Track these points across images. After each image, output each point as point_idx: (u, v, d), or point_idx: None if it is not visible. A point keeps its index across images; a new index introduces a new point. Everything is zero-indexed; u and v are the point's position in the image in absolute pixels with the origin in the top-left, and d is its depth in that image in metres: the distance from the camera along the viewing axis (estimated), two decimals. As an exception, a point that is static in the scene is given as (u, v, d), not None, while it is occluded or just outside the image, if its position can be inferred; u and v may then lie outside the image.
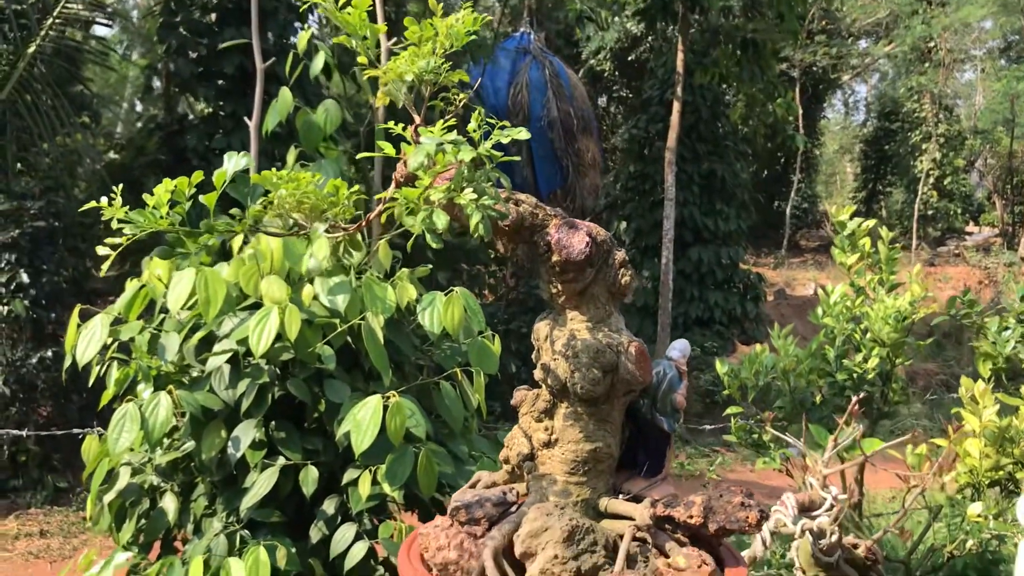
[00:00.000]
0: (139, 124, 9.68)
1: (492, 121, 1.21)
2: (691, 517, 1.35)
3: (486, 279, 9.32)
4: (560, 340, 1.40)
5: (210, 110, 9.20)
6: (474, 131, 1.20)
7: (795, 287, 17.99)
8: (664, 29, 13.00)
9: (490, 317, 8.57)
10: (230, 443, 2.68)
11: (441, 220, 1.12)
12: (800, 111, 19.27)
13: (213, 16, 8.99)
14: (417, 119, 1.35)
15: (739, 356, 12.15)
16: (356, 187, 1.39)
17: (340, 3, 1.32)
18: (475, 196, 1.12)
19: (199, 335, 2.71)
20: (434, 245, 1.13)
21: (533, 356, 1.47)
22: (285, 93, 3.00)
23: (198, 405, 2.66)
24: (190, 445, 2.83)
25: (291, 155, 2.92)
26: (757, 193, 18.46)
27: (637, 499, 1.45)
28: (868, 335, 4.21)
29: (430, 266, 3.28)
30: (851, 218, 4.67)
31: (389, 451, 2.64)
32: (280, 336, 2.65)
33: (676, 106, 9.13)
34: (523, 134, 1.14)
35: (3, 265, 6.25)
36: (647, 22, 10.42)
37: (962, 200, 24.47)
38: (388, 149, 1.23)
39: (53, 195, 6.87)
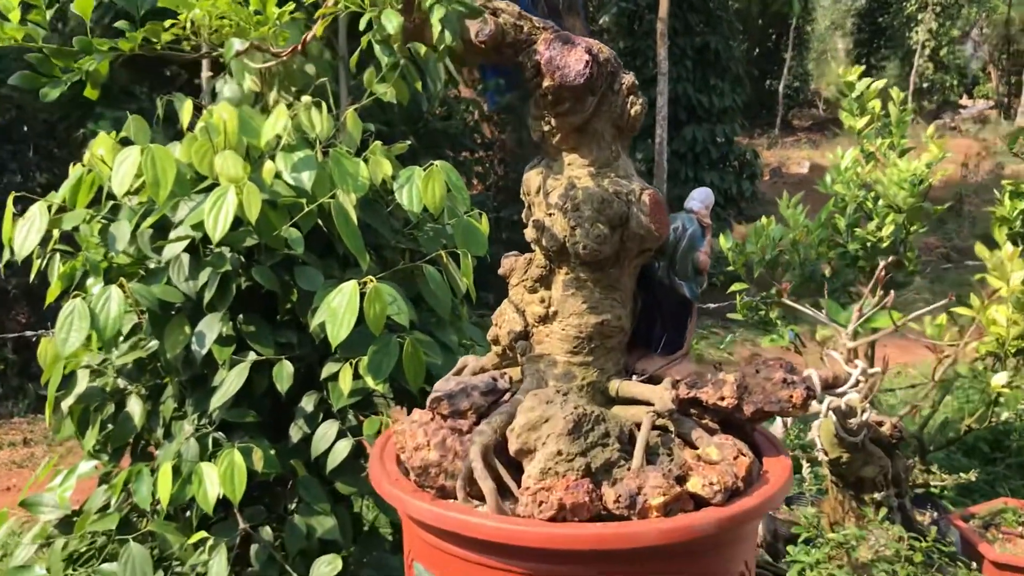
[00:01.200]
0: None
1: None
2: (722, 399, 1.10)
3: (472, 166, 8.97)
4: (556, 191, 1.13)
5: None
6: None
7: (789, 166, 17.64)
8: None
9: (479, 206, 8.27)
10: (194, 339, 2.43)
11: (392, 22, 0.83)
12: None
13: None
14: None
15: (735, 235, 11.90)
16: (290, 5, 1.09)
17: None
18: (437, -16, 0.82)
19: (150, 220, 2.43)
20: (385, 61, 0.85)
21: (523, 214, 1.19)
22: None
23: (155, 299, 2.39)
24: (154, 344, 2.58)
25: None
26: (750, 69, 17.92)
27: (654, 380, 1.20)
28: (881, 202, 3.94)
29: (408, 142, 2.97)
30: (859, 78, 4.34)
31: (371, 342, 2.40)
32: (241, 220, 2.38)
33: (667, -28, 8.61)
34: None
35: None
36: None
37: (957, 72, 23.91)
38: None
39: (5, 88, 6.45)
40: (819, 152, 19.11)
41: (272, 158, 2.47)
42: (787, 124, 23.20)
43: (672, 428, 1.12)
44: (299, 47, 1.00)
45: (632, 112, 1.12)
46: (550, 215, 1.14)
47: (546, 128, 1.11)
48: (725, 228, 12.05)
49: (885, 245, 3.77)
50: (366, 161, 2.55)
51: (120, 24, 0.89)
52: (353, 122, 2.66)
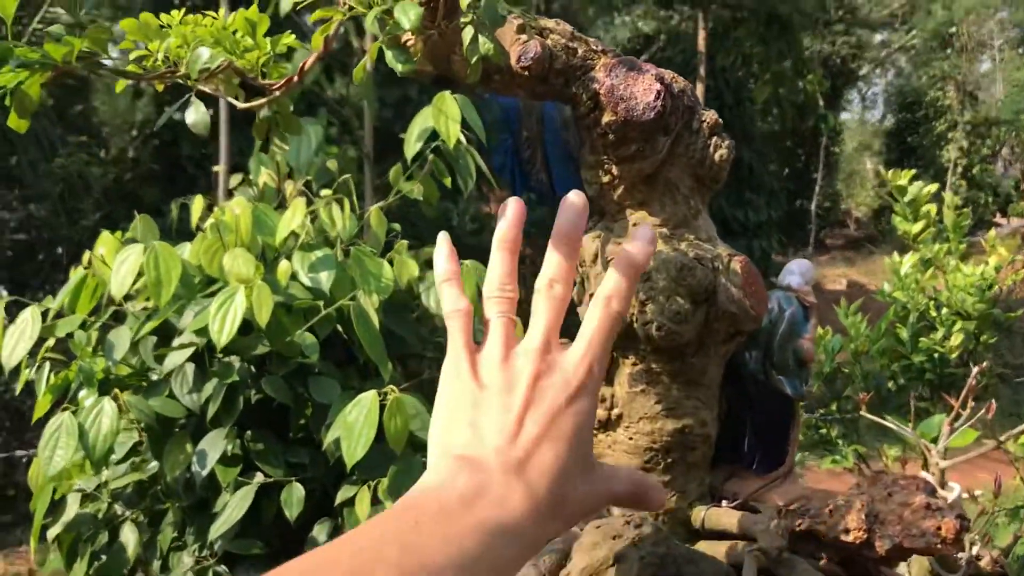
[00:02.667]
0: (133, 134, 9.25)
1: None
2: (847, 532, 0.82)
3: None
4: (620, 257, 0.88)
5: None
6: None
7: (826, 283, 17.35)
8: (680, 20, 12.47)
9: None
10: (195, 458, 2.16)
11: (410, 14, 0.60)
12: (821, 102, 18.71)
13: (206, 17, 8.50)
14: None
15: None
16: (288, 34, 0.87)
17: None
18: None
19: (150, 325, 2.20)
20: (399, 68, 0.61)
21: (575, 294, 0.94)
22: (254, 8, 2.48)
23: (153, 413, 2.14)
24: (155, 465, 2.32)
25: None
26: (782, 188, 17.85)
27: (750, 506, 0.92)
28: (945, 310, 3.65)
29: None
30: (911, 182, 4.12)
31: (392, 461, 2.12)
32: (251, 325, 2.15)
33: (700, 88, 8.56)
34: None
35: (-18, 283, 5.80)
36: (664, 4, 9.88)
37: (991, 190, 23.78)
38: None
39: (33, 206, 6.42)
40: (855, 270, 18.85)
41: (288, 257, 2.27)
42: (820, 243, 23.03)
43: (782, 574, 0.83)
44: (295, 78, 0.77)
45: (716, 157, 0.88)
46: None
47: (606, 179, 0.87)
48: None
49: (954, 356, 3.46)
50: (391, 262, 2.34)
51: (54, 28, 0.66)
52: (378, 220, 2.45)
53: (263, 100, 0.87)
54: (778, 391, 0.94)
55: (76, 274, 2.35)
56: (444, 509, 0.55)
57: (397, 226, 2.62)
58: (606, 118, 0.85)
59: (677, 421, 0.88)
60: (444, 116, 2.27)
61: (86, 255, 2.32)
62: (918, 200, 4.00)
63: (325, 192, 2.37)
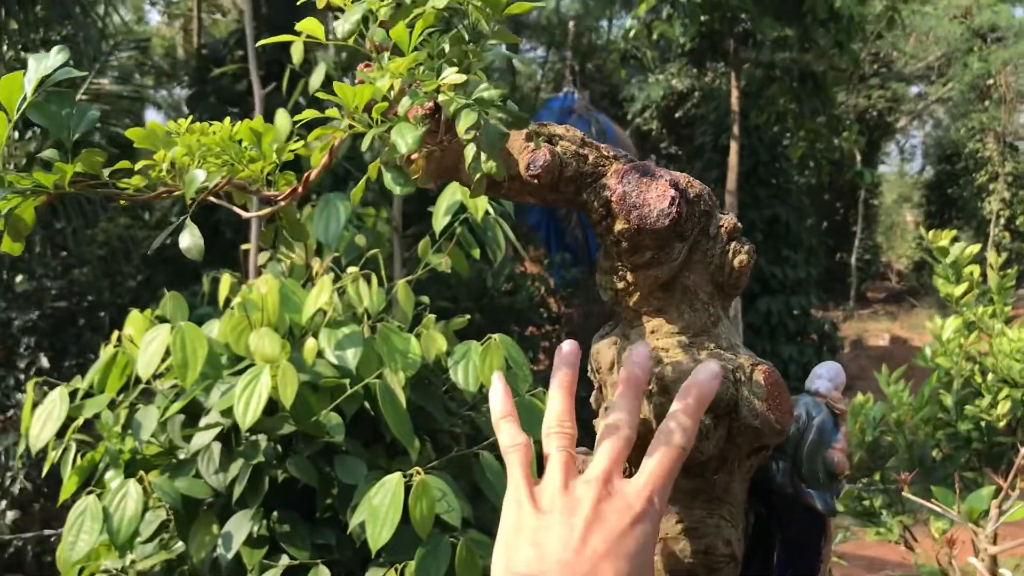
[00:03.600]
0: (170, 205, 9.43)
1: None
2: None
3: (539, 342, 8.73)
4: (636, 367, 0.84)
5: (245, 181, 8.81)
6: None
7: (868, 339, 17.07)
8: (713, 79, 12.52)
9: (545, 383, 7.97)
10: (220, 540, 2.13)
11: (407, 137, 0.58)
12: (859, 157, 18.62)
13: (244, 83, 8.74)
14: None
15: (819, 413, 11.27)
16: (295, 142, 0.86)
17: None
18: (462, 78, 0.58)
19: (178, 405, 2.19)
20: (398, 191, 0.59)
21: (592, 397, 0.90)
22: (281, 117, 2.52)
23: (177, 494, 2.12)
24: (181, 546, 2.29)
25: (321, 95, 2.43)
26: (821, 242, 17.73)
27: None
28: (991, 376, 3.54)
29: (467, 317, 2.74)
30: (952, 243, 4.03)
31: (418, 543, 2.07)
32: (277, 405, 2.13)
33: (733, 147, 8.56)
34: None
35: (23, 350, 5.86)
36: (696, 64, 9.94)
37: (1035, 240, 23.39)
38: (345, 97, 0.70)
39: (76, 272, 6.53)
40: (898, 324, 18.55)
41: (315, 334, 2.25)
42: (862, 296, 22.74)
43: None
44: (299, 189, 0.76)
45: (735, 263, 0.85)
46: (628, 401, 0.84)
47: (621, 285, 0.84)
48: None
49: (1001, 424, 3.35)
50: (418, 336, 2.32)
51: (47, 153, 0.65)
52: (405, 295, 2.44)
53: (268, 210, 0.85)
54: (808, 505, 0.89)
55: (106, 352, 2.36)
56: None
57: (425, 299, 2.60)
58: (619, 226, 0.82)
59: (699, 541, 0.84)
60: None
61: (114, 334, 2.32)
62: (960, 261, 3.92)
63: (352, 269, 2.36)
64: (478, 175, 0.68)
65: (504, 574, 0.63)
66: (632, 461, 0.85)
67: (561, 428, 0.72)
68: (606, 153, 0.85)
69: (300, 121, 0.76)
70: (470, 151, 0.66)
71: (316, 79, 2.56)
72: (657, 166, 0.88)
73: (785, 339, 12.15)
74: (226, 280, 2.41)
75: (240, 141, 0.89)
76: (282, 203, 0.84)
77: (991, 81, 22.00)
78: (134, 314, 2.35)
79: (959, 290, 3.82)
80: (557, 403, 0.74)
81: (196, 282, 7.56)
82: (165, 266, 7.84)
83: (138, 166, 0.90)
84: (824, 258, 16.11)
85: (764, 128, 11.56)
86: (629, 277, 0.85)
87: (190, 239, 0.74)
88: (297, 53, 2.48)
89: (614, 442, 0.70)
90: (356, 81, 0.83)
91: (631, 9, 13.41)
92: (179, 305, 2.42)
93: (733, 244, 0.87)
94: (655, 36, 8.26)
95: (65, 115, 0.63)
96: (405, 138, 0.62)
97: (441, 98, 0.62)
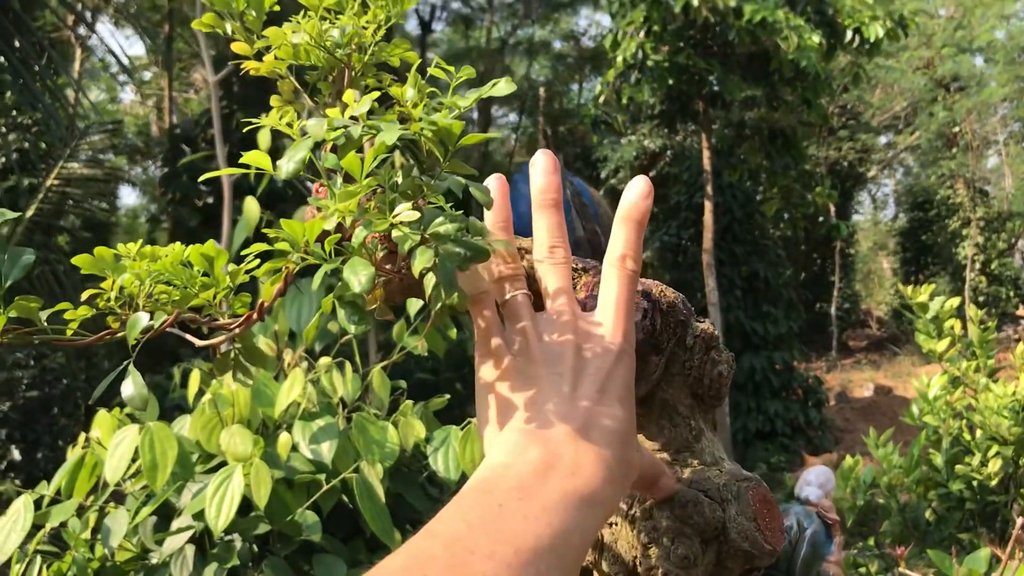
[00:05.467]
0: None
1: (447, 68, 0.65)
2: None
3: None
4: (616, 488, 0.80)
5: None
6: (409, 100, 0.63)
7: (852, 389, 17.06)
8: (685, 137, 12.66)
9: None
10: (194, 651, 2.04)
11: (360, 275, 0.54)
12: (832, 210, 18.84)
13: (216, 162, 8.74)
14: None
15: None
16: (250, 262, 0.82)
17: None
18: (415, 216, 0.54)
19: (147, 510, 2.11)
20: (352, 330, 0.55)
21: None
22: (250, 204, 2.49)
23: (147, 604, 2.03)
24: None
25: (268, 233, 2.38)
26: (800, 293, 17.82)
27: None
28: (980, 432, 3.51)
29: (447, 397, 2.68)
30: (931, 298, 4.02)
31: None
32: (252, 503, 2.06)
33: (708, 206, 8.60)
34: (502, 88, 0.57)
35: (-7, 444, 5.72)
36: (667, 125, 10.05)
37: (1011, 283, 23.61)
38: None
39: (48, 360, 6.41)
40: (881, 373, 18.57)
41: (289, 428, 2.19)
42: (844, 346, 22.80)
43: None
44: (255, 316, 0.72)
45: (715, 374, 0.81)
46: (611, 526, 0.80)
47: (597, 402, 0.78)
48: (795, 461, 11.40)
49: (994, 483, 3.31)
50: (396, 424, 2.25)
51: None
52: (380, 382, 2.38)
53: (222, 338, 0.81)
54: (806, 626, 0.83)
55: (73, 454, 2.28)
56: (523, 486, 0.55)
57: (403, 383, 2.55)
58: (591, 342, 0.78)
59: (694, 674, 0.78)
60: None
61: (81, 437, 2.25)
62: (940, 316, 3.91)
63: (324, 360, 2.31)
64: (439, 305, 0.64)
65: (496, 429, 0.62)
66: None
67: (514, 271, 0.69)
68: (575, 265, 0.81)
69: (249, 253, 0.72)
70: (430, 281, 0.62)
71: (287, 166, 2.51)
72: None
73: (770, 395, 12.12)
74: (195, 376, 2.35)
75: (192, 265, 0.85)
76: (235, 331, 0.80)
77: (957, 129, 22.43)
78: (102, 414, 2.28)
79: (941, 346, 3.80)
80: (544, 224, 0.71)
81: (173, 363, 7.46)
82: (141, 349, 7.71)
83: (85, 295, 0.86)
84: (804, 310, 16.15)
85: (738, 185, 11.67)
86: (604, 394, 0.81)
87: (133, 388, 0.69)
88: (264, 141, 2.46)
89: (561, 270, 0.69)
90: (316, 190, 0.79)
91: (600, 73, 13.61)
92: (149, 403, 2.35)
93: (711, 354, 0.83)
94: (625, 100, 8.36)
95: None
96: (359, 276, 0.58)
97: (395, 234, 0.58)
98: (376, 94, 0.65)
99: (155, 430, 2.04)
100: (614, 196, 19.46)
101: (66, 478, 2.26)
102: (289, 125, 0.68)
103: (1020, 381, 3.51)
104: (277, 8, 0.88)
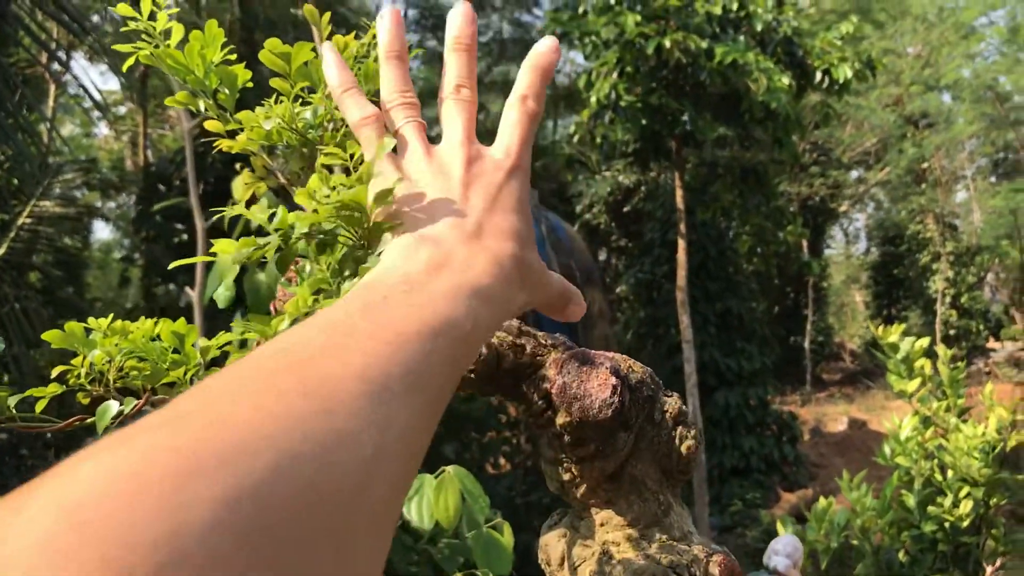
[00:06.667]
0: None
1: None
2: None
3: (499, 446, 8.61)
4: (587, 564, 0.80)
5: (190, 300, 8.79)
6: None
7: (827, 423, 17.14)
8: (658, 174, 12.79)
9: (507, 490, 7.84)
10: None
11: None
12: (805, 246, 19.04)
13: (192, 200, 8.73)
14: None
15: (783, 505, 11.24)
16: (221, 335, 0.82)
17: (162, 32, 0.80)
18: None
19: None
20: None
21: (544, 588, 0.86)
22: (222, 244, 2.47)
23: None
24: None
25: (236, 326, 2.38)
26: (773, 328, 17.94)
27: None
28: (951, 473, 3.54)
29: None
30: (902, 337, 4.07)
31: None
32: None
33: (681, 244, 8.68)
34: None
35: (-39, 486, 5.53)
36: (640, 164, 10.16)
37: (981, 317, 23.90)
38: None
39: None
40: (855, 406, 18.69)
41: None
42: (817, 379, 22.93)
43: None
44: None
45: (683, 449, 0.82)
46: (581, 599, 0.80)
47: (566, 477, 0.80)
48: (770, 498, 11.41)
49: (965, 524, 3.33)
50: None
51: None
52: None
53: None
54: None
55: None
56: (410, 280, 0.54)
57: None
58: (561, 419, 0.79)
59: None
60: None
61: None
62: (911, 356, 3.95)
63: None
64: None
65: (396, 240, 0.60)
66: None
67: (404, 98, 0.67)
68: (544, 341, 0.82)
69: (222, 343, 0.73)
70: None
71: (260, 213, 2.51)
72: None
73: (745, 431, 12.15)
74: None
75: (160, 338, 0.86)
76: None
77: (926, 165, 22.80)
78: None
79: (912, 386, 3.84)
80: (392, 73, 0.69)
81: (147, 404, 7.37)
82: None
83: (54, 372, 0.87)
84: (778, 345, 16.27)
85: (711, 223, 11.78)
86: (574, 469, 0.82)
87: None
88: (239, 191, 2.46)
89: (464, 107, 0.67)
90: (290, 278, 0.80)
91: (574, 111, 13.74)
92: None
93: (679, 429, 0.84)
94: (598, 140, 8.44)
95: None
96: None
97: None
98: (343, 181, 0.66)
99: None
100: (588, 231, 19.58)
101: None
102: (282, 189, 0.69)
103: (990, 422, 3.55)
104: (250, 85, 0.90)
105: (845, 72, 7.96)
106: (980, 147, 25.15)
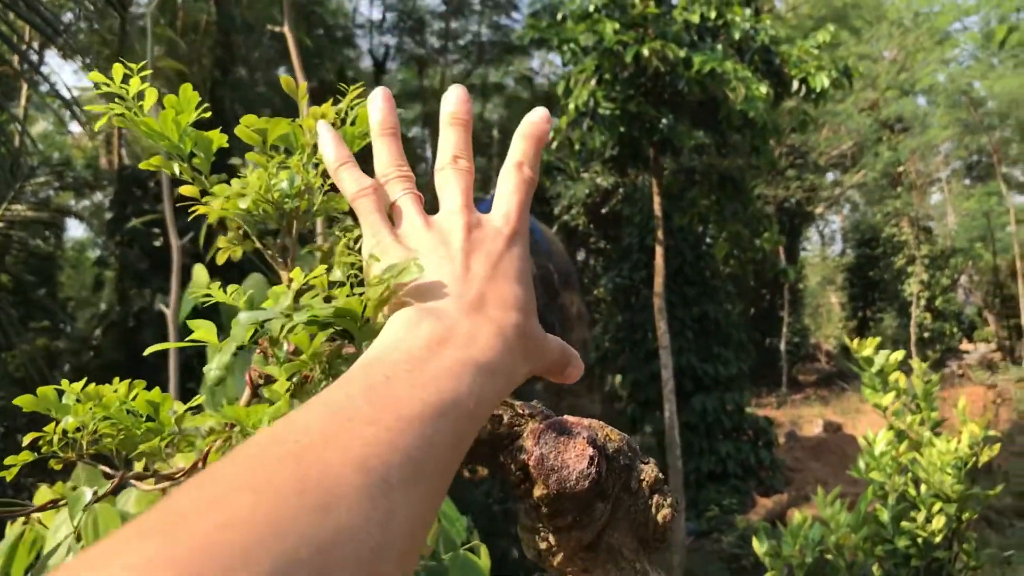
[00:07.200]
0: (93, 322, 9.19)
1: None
2: None
3: (478, 453, 8.60)
4: (563, 633, 0.80)
5: (167, 304, 8.69)
6: (345, 272, 0.65)
7: (802, 426, 17.26)
8: (636, 177, 12.83)
9: (484, 496, 7.84)
10: None
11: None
12: (781, 252, 19.16)
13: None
14: (284, 277, 0.81)
15: (759, 510, 11.31)
16: (197, 397, 0.82)
17: (134, 96, 0.79)
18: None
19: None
20: None
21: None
22: (199, 272, 2.46)
23: None
24: None
25: (209, 417, 2.36)
26: (749, 331, 18.03)
27: None
28: (924, 488, 3.58)
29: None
30: (876, 351, 4.10)
31: None
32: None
33: (659, 251, 8.70)
34: (410, 272, 0.59)
35: (-69, 496, 5.50)
36: (618, 170, 10.18)
37: (955, 319, 24.15)
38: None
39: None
40: (830, 409, 18.82)
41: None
42: (793, 381, 23.09)
43: None
44: (199, 464, 0.72)
45: (659, 518, 0.82)
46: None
47: (543, 546, 0.80)
48: (746, 503, 11.48)
49: (938, 540, 3.37)
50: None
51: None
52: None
53: (166, 484, 0.81)
54: None
55: (12, 530, 2.22)
56: (412, 358, 0.52)
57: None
58: (538, 491, 0.79)
59: None
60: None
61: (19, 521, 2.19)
62: (886, 369, 3.98)
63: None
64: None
65: (398, 314, 0.58)
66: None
67: (399, 171, 0.68)
68: (521, 411, 0.82)
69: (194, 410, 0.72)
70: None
71: (198, 281, 2.50)
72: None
73: (722, 435, 12.22)
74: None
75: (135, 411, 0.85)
76: (182, 480, 0.80)
77: (901, 168, 23.00)
78: (42, 490, 2.23)
79: (887, 400, 3.87)
80: (385, 150, 0.69)
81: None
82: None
83: (26, 440, 0.86)
84: (754, 348, 16.36)
85: (688, 228, 11.83)
86: (551, 539, 0.82)
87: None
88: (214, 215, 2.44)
89: (461, 176, 0.67)
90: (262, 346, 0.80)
91: (553, 113, 13.75)
92: (93, 478, 2.31)
93: (655, 498, 0.84)
94: (576, 147, 8.45)
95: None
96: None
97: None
98: (322, 274, 0.66)
99: (99, 511, 2.00)
100: (567, 233, 19.61)
101: (4, 556, 2.20)
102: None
103: (963, 437, 3.58)
104: (226, 144, 0.89)
105: (822, 81, 8.01)
106: (955, 151, 25.40)
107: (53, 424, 0.84)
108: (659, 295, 8.54)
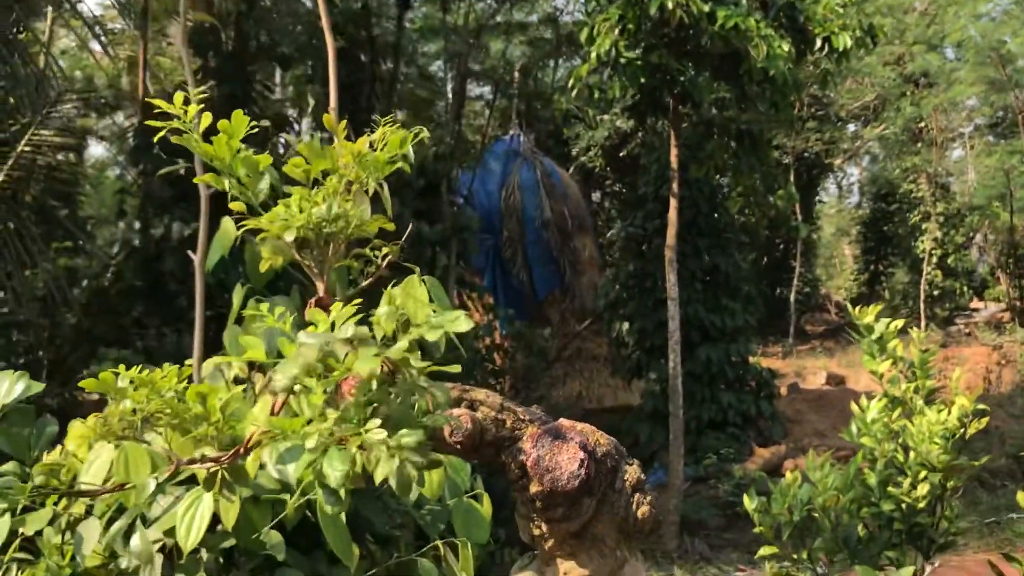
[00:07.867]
0: (114, 246, 9.33)
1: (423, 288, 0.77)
2: None
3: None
4: (551, 609, 0.93)
5: (189, 232, 8.81)
6: (383, 316, 0.76)
7: (806, 376, 17.42)
8: (655, 124, 12.79)
9: (508, 484, 8.00)
10: (159, 657, 2.15)
11: (336, 469, 0.67)
12: (797, 198, 19.08)
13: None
14: (320, 288, 0.92)
15: (756, 460, 11.51)
16: (236, 390, 0.94)
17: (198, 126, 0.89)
18: (382, 436, 0.66)
19: (120, 524, 2.21)
20: (329, 511, 0.68)
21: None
22: (226, 224, 2.57)
23: (117, 612, 2.14)
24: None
25: (237, 295, 2.48)
26: (759, 281, 18.10)
27: None
28: (912, 455, 3.70)
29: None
30: (877, 319, 4.19)
31: (357, 656, 2.12)
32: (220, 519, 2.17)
33: (673, 203, 8.76)
34: (461, 324, 0.69)
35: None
36: (637, 118, 10.18)
37: (966, 277, 24.10)
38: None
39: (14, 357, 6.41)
40: (835, 361, 18.95)
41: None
42: (801, 331, 23.18)
43: None
44: (240, 451, 0.84)
45: (639, 514, 0.94)
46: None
47: (537, 532, 0.93)
48: (744, 452, 11.68)
49: (921, 505, 3.50)
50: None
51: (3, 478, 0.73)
52: (346, 404, 2.50)
53: (212, 465, 0.93)
54: None
55: (40, 467, 2.37)
56: None
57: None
58: (533, 488, 0.91)
59: None
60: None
61: (55, 451, 2.34)
62: (885, 337, 4.08)
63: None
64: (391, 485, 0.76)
65: None
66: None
67: None
68: (523, 416, 0.94)
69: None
70: (379, 473, 0.74)
71: (226, 234, 2.58)
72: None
73: (724, 386, 12.37)
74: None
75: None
76: (223, 461, 0.92)
77: (923, 124, 22.73)
78: (75, 425, 2.37)
79: (884, 366, 3.98)
80: None
81: (138, 336, 7.49)
82: (105, 316, 7.75)
83: (90, 422, 0.98)
84: (764, 298, 16.45)
85: (704, 180, 11.82)
86: (543, 527, 0.94)
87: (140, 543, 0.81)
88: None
89: None
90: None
91: (577, 53, 13.64)
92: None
93: (637, 496, 0.97)
94: (596, 96, 8.44)
95: (27, 434, 0.70)
96: (335, 469, 0.70)
97: (353, 446, 0.70)
98: (358, 304, 0.77)
99: (129, 449, 2.14)
100: (585, 174, 19.58)
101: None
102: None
103: (953, 408, 3.69)
104: (269, 160, 1.00)
105: (846, 40, 7.95)
106: (979, 108, 25.03)
107: (114, 406, 0.96)
108: (671, 247, 8.61)
